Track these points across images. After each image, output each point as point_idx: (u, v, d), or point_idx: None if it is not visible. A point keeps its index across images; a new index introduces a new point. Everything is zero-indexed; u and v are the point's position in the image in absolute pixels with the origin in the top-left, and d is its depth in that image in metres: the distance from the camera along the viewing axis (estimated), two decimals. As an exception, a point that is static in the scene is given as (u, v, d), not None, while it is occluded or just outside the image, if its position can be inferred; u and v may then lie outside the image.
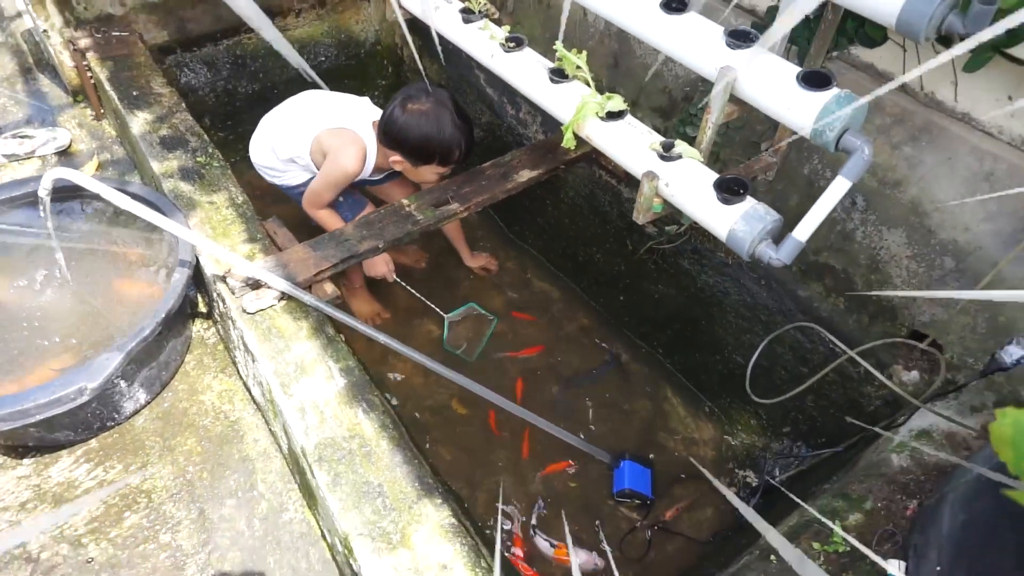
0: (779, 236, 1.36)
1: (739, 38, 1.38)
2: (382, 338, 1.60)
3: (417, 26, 2.72)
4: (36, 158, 2.28)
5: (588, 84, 1.60)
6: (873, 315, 1.67)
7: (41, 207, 1.50)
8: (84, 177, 1.44)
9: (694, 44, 1.43)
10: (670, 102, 1.96)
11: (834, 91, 1.27)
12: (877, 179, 1.57)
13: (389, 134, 1.94)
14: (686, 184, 1.43)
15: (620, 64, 2.05)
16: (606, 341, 2.31)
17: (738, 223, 1.36)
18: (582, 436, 2.00)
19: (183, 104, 2.13)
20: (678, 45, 1.46)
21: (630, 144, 1.53)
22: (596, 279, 2.35)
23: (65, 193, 1.83)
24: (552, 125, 2.30)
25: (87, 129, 2.40)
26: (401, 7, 2.04)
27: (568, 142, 1.65)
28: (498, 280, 2.49)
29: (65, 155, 2.30)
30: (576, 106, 1.60)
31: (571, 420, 2.11)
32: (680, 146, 1.48)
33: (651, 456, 2.01)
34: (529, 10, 2.26)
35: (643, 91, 2.00)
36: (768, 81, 1.34)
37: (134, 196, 1.78)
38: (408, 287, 2.23)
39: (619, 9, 1.54)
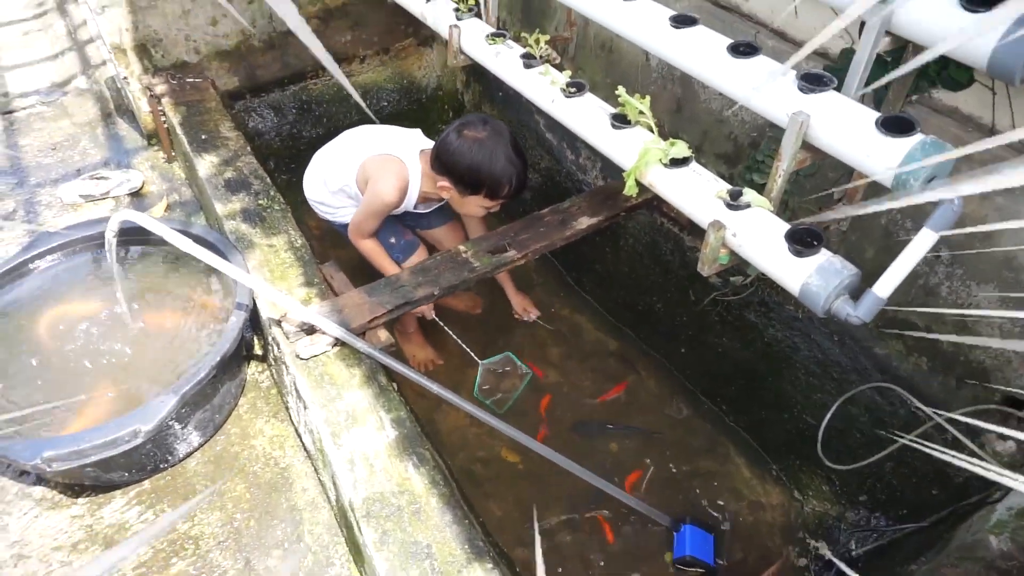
0: (856, 291, 1.27)
1: (812, 82, 1.31)
2: (435, 388, 1.56)
3: (478, 71, 2.74)
4: (111, 198, 2.37)
5: (652, 130, 1.55)
6: (961, 377, 1.54)
7: (107, 248, 1.53)
8: (148, 219, 1.47)
9: (764, 88, 1.37)
10: (736, 148, 1.89)
11: (918, 137, 1.19)
12: (965, 231, 1.46)
13: (441, 158, 1.90)
14: (755, 235, 1.36)
15: (683, 109, 2.00)
16: (664, 395, 2.22)
17: (812, 277, 1.27)
18: (640, 495, 1.90)
19: (248, 148, 2.17)
20: (747, 90, 1.41)
21: (695, 192, 1.46)
22: (656, 330, 2.27)
23: (133, 235, 1.88)
24: (612, 171, 2.26)
25: (159, 171, 2.48)
26: (463, 53, 2.05)
27: (630, 189, 1.59)
28: (553, 327, 2.44)
29: (137, 196, 2.38)
30: (639, 152, 1.55)
31: (624, 476, 2.01)
32: (748, 194, 1.41)
33: (714, 519, 1.90)
34: (590, 56, 2.25)
35: (707, 137, 1.94)
36: (845, 127, 1.26)
37: (196, 238, 1.81)
38: (447, 328, 2.19)
39: (685, 54, 1.49)
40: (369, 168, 2.00)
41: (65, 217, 2.30)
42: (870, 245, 1.63)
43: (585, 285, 2.51)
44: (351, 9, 2.67)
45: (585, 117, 1.70)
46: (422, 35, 2.83)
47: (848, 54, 1.60)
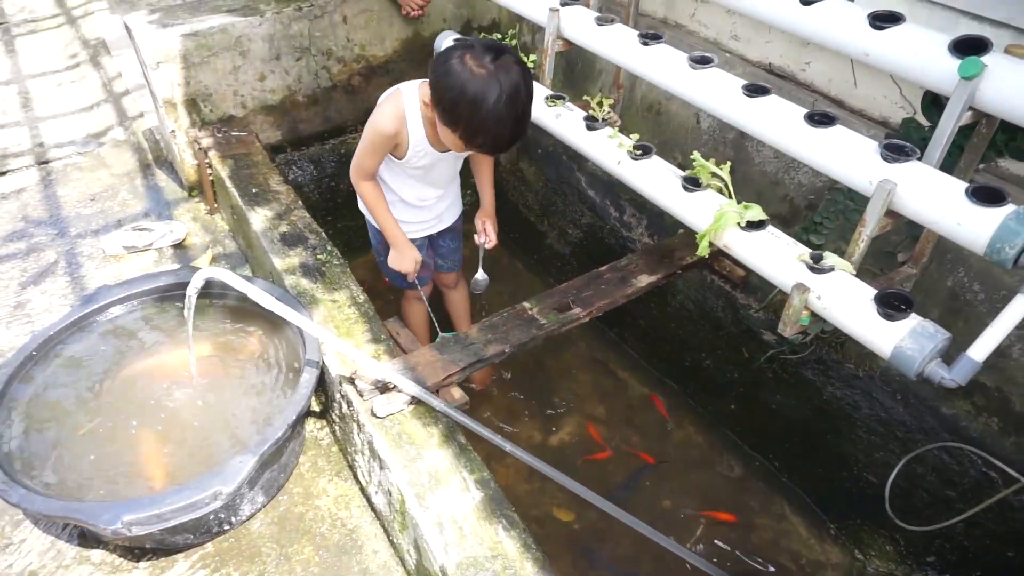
0: (945, 354, 1.29)
1: (896, 151, 1.36)
2: (508, 446, 1.55)
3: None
4: (154, 250, 2.35)
5: (730, 194, 1.58)
6: (1033, 438, 1.56)
7: (187, 305, 1.52)
8: (233, 277, 1.46)
9: (844, 157, 1.42)
10: (791, 210, 1.94)
11: (1011, 207, 1.23)
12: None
13: (433, 72, 1.61)
14: (841, 298, 1.38)
15: (736, 170, 2.04)
16: (715, 452, 2.21)
17: (905, 341, 1.29)
18: (694, 551, 1.88)
19: (300, 201, 2.18)
20: (826, 158, 1.45)
21: (775, 255, 1.49)
22: (704, 386, 2.28)
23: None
24: (659, 228, 2.30)
25: (201, 223, 2.47)
26: (519, 114, 2.09)
27: (703, 251, 1.62)
28: (597, 383, 2.44)
29: (180, 248, 2.37)
30: (714, 215, 1.58)
31: (680, 535, 1.99)
32: (831, 258, 1.44)
33: (774, 580, 1.88)
34: (637, 117, 2.30)
35: (761, 198, 1.98)
36: (934, 196, 1.30)
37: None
38: (426, 304, 2.19)
39: (760, 122, 1.54)
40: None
41: (108, 268, 2.28)
42: (936, 306, 1.67)
43: (628, 340, 2.52)
44: (392, 67, 2.73)
45: (654, 179, 1.74)
46: (459, 92, 2.88)
47: (910, 123, 1.67)
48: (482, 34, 2.85)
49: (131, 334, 1.77)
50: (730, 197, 1.59)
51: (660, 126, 2.24)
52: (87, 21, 3.76)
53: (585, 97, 1.98)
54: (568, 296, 1.85)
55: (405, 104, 1.77)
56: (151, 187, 2.63)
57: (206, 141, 2.42)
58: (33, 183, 2.66)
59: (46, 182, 2.66)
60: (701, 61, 1.68)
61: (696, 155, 1.61)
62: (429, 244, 2.16)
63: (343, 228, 2.85)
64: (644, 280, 1.91)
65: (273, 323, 1.74)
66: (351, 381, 1.59)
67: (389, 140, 1.81)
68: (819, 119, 1.47)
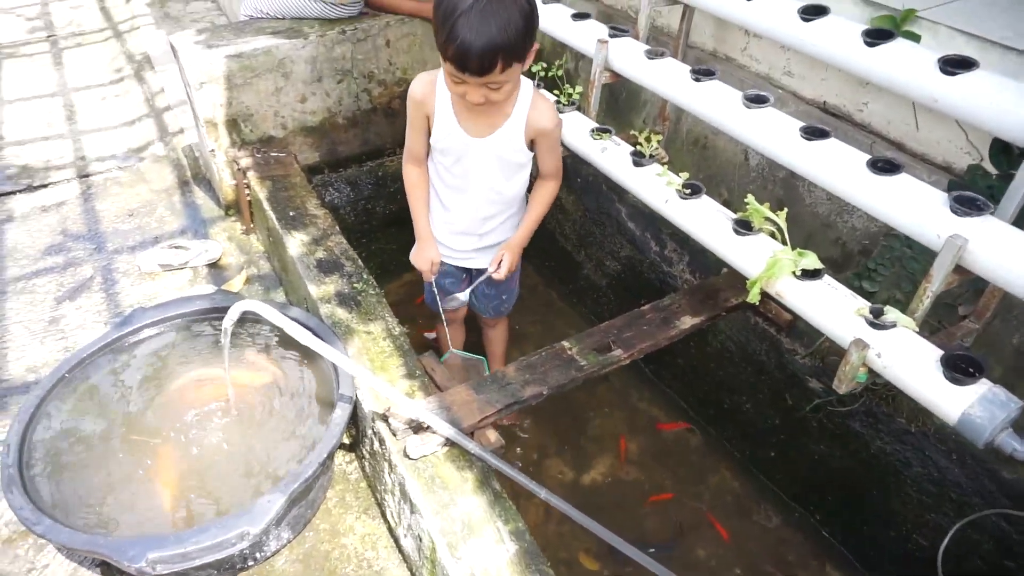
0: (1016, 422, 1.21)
1: (967, 204, 1.28)
2: (543, 493, 1.49)
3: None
4: (188, 268, 2.35)
5: (784, 241, 1.52)
6: (1102, 510, 1.46)
7: (223, 335, 1.49)
8: (270, 310, 1.43)
9: (910, 208, 1.35)
10: (843, 254, 1.86)
11: (1095, 272, 1.15)
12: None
13: None
14: (904, 357, 1.31)
15: (784, 210, 1.98)
16: (751, 500, 2.13)
17: (974, 408, 1.22)
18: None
19: (337, 227, 2.16)
20: (890, 208, 1.38)
21: (832, 307, 1.42)
22: (743, 430, 2.20)
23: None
24: (701, 266, 2.23)
25: (236, 243, 2.46)
26: (562, 145, 2.05)
27: (754, 297, 1.55)
28: (630, 421, 2.37)
29: (215, 267, 2.36)
30: (766, 261, 1.52)
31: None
32: (892, 313, 1.37)
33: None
34: (682, 151, 2.25)
35: (811, 240, 1.92)
36: (1009, 255, 1.23)
37: (295, 321, 1.78)
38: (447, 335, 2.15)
39: (819, 167, 1.48)
40: None
41: (143, 286, 2.28)
42: (999, 364, 1.58)
43: (664, 377, 2.45)
44: (434, 91, 2.71)
45: (702, 220, 1.68)
46: (498, 118, 2.86)
47: (976, 170, 1.59)
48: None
49: (163, 359, 1.75)
50: (784, 244, 1.52)
51: (706, 160, 2.18)
52: (133, 36, 3.81)
53: (632, 132, 1.93)
54: (609, 336, 1.79)
55: (440, 72, 1.63)
56: (188, 204, 2.64)
57: (245, 161, 2.41)
58: (74, 196, 2.68)
59: (86, 196, 2.68)
60: (756, 100, 1.62)
61: (750, 198, 1.55)
62: (468, 278, 2.08)
63: (377, 251, 2.83)
64: (688, 322, 1.85)
65: (307, 352, 1.71)
66: (384, 419, 1.55)
67: (419, 108, 1.70)
68: (883, 166, 1.41)
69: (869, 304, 1.40)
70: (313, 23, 2.44)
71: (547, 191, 1.87)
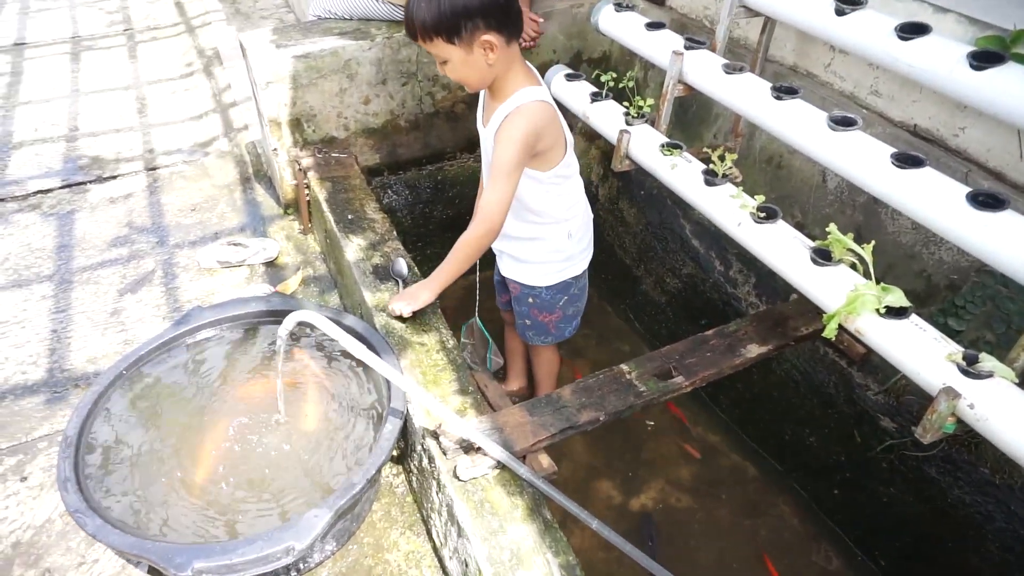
0: None
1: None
2: (594, 524, 1.42)
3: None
4: (246, 266, 2.36)
5: (868, 274, 1.42)
6: None
7: (278, 346, 1.47)
8: (325, 321, 1.40)
9: (1012, 246, 1.24)
10: (928, 287, 1.74)
11: None
12: None
13: None
14: (1002, 411, 1.20)
15: (864, 237, 1.86)
16: (809, 538, 2.02)
17: (1081, 473, 1.11)
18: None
19: (395, 232, 2.13)
20: (989, 244, 1.27)
21: (919, 350, 1.32)
22: (805, 464, 2.09)
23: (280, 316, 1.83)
24: (768, 289, 2.13)
25: (293, 242, 2.47)
26: (629, 159, 1.98)
27: (830, 332, 1.46)
28: (683, 446, 2.28)
29: (272, 266, 2.36)
30: (847, 295, 1.42)
31: None
32: (988, 361, 1.26)
33: None
34: (754, 168, 2.15)
35: (892, 270, 1.80)
36: None
37: (349, 330, 1.76)
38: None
39: (914, 199, 1.37)
40: None
41: (202, 281, 2.30)
42: (1101, 420, 1.45)
43: (722, 403, 2.35)
44: (497, 96, 2.66)
45: (777, 247, 1.59)
46: (561, 125, 2.80)
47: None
48: (592, 67, 2.76)
49: (217, 361, 1.74)
50: (868, 277, 1.42)
51: (780, 180, 2.08)
52: (204, 31, 3.89)
53: (704, 148, 1.84)
54: (670, 361, 1.72)
55: None
56: (249, 201, 2.66)
57: (306, 161, 2.41)
58: (141, 189, 2.73)
59: (152, 189, 2.73)
60: (842, 122, 1.52)
61: (832, 228, 1.46)
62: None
63: (433, 255, 2.77)
64: (754, 350, 1.76)
65: (360, 361, 1.68)
66: (435, 436, 1.51)
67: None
68: (984, 200, 1.30)
69: (962, 349, 1.29)
70: (381, 25, 2.42)
71: (468, 230, 1.66)
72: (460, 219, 2.78)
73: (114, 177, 2.80)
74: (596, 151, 2.78)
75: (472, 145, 2.74)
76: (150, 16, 4.12)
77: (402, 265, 1.93)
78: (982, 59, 1.36)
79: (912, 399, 1.77)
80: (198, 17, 4.04)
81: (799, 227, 2.04)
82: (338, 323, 1.76)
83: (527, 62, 1.68)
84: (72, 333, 2.12)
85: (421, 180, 2.70)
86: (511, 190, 1.60)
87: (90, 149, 2.97)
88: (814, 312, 1.84)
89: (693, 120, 2.35)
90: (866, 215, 1.85)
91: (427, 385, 1.65)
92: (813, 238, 1.56)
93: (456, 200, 2.76)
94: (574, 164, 1.81)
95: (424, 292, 1.75)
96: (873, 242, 1.39)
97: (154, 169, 2.84)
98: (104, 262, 2.39)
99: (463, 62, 1.52)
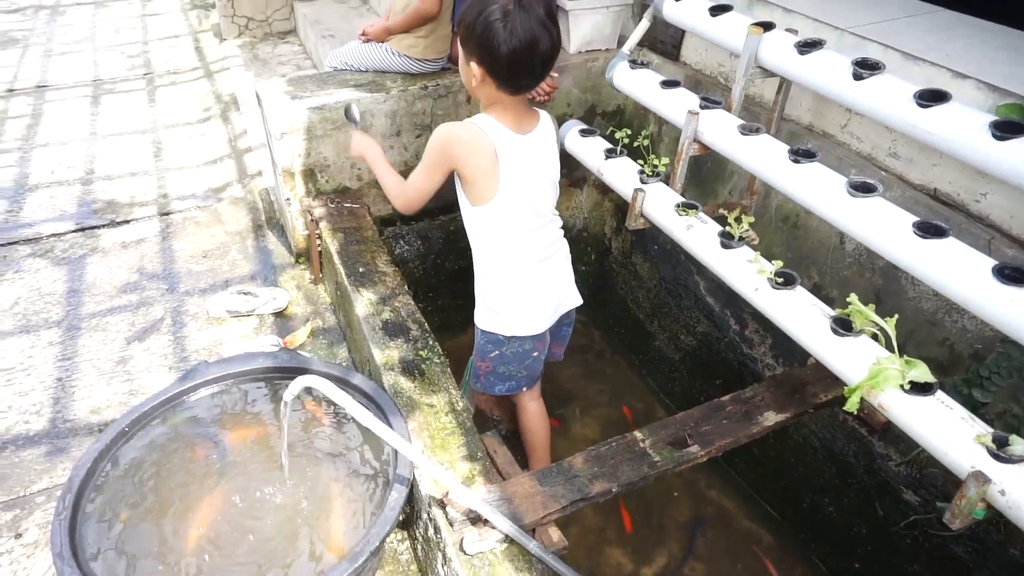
0: None
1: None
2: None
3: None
4: (255, 316, 2.34)
5: (892, 347, 1.37)
6: None
7: (282, 409, 1.44)
8: (330, 387, 1.37)
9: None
10: (951, 356, 1.69)
11: None
12: None
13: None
14: (1035, 499, 1.15)
15: (884, 302, 1.83)
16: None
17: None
18: None
19: (405, 286, 2.11)
20: (1017, 320, 1.23)
21: (946, 430, 1.27)
22: (824, 534, 2.01)
23: (288, 374, 1.80)
24: (785, 351, 2.08)
25: (304, 292, 2.45)
26: (643, 217, 1.96)
27: (852, 406, 1.41)
28: (698, 510, 2.21)
29: (281, 316, 2.34)
30: (869, 368, 1.37)
31: None
32: (1019, 444, 1.20)
33: None
34: (769, 227, 2.12)
35: (912, 337, 1.75)
36: None
37: (357, 389, 1.72)
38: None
39: (938, 271, 1.34)
40: None
41: (210, 331, 2.28)
42: None
43: (737, 466, 2.29)
44: (511, 148, 2.66)
45: (796, 314, 1.55)
46: (574, 176, 2.79)
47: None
48: (606, 120, 2.76)
49: (220, 419, 1.71)
50: (892, 351, 1.37)
51: (796, 240, 2.05)
52: (222, 76, 3.94)
53: (719, 207, 1.82)
54: (685, 428, 1.67)
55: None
56: (260, 249, 2.65)
57: (318, 211, 2.40)
58: (153, 234, 2.73)
59: (165, 234, 2.73)
60: (862, 188, 1.49)
61: (853, 298, 1.42)
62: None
63: (443, 306, 2.78)
64: (771, 418, 1.71)
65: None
66: (441, 505, 1.46)
67: None
68: (1011, 274, 1.26)
69: (991, 430, 1.24)
70: (396, 77, 2.44)
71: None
72: (471, 270, 2.75)
73: (127, 221, 2.81)
74: (609, 203, 2.76)
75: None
76: (170, 60, 4.20)
77: (355, 110, 2.06)
78: (1006, 129, 1.33)
79: (935, 471, 1.71)
80: (217, 62, 4.11)
81: (816, 289, 2.01)
82: (346, 382, 1.74)
83: (537, 110, 1.73)
84: (77, 382, 2.09)
85: (433, 231, 2.69)
86: (418, 184, 1.79)
87: (105, 193, 2.98)
88: (833, 378, 1.78)
89: (708, 176, 2.33)
90: (886, 279, 1.81)
91: (435, 450, 1.60)
92: (830, 301, 1.53)
93: (467, 251, 2.72)
94: (505, 226, 1.74)
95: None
96: (896, 316, 1.34)
97: (167, 214, 2.85)
98: (113, 308, 2.37)
99: (463, 62, 1.62)
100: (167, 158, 3.24)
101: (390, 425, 1.61)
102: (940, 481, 1.69)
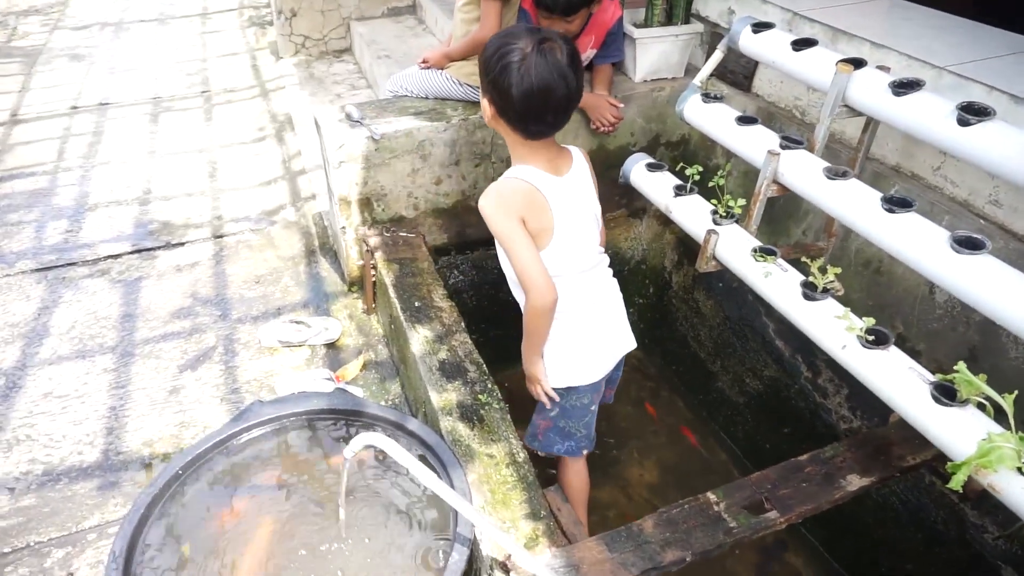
0: None
1: None
2: None
3: (691, 251, 2.56)
4: (307, 347, 2.30)
5: (1010, 425, 1.25)
6: None
7: (344, 465, 1.37)
8: (396, 447, 1.30)
9: None
10: (1058, 424, 1.55)
11: None
12: None
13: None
14: None
15: (980, 360, 1.69)
16: None
17: None
18: None
19: (462, 323, 2.04)
20: None
21: (1072, 521, 1.14)
22: (905, 605, 1.88)
23: (342, 416, 1.75)
24: (864, 403, 1.95)
25: (356, 322, 2.40)
26: (715, 259, 1.86)
27: (956, 484, 1.29)
28: (763, 569, 2.08)
29: (333, 348, 2.30)
30: (979, 445, 1.25)
31: None
32: None
33: None
34: (849, 271, 2.00)
35: (1019, 401, 1.61)
36: None
37: (414, 436, 1.66)
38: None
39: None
40: None
41: (261, 361, 2.24)
42: None
43: (808, 523, 2.15)
44: (570, 178, 2.59)
45: (889, 376, 1.44)
46: (634, 207, 2.70)
47: None
48: (670, 151, 2.66)
49: (275, 463, 1.66)
50: (1007, 427, 1.25)
51: (879, 287, 1.92)
52: (278, 95, 3.96)
53: (804, 259, 1.71)
54: (761, 491, 1.56)
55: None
56: (313, 276, 2.61)
57: (373, 240, 2.35)
58: (207, 257, 2.72)
59: (218, 258, 2.72)
60: (969, 245, 1.37)
61: (961, 366, 1.30)
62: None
63: (496, 338, 2.70)
64: (855, 482, 1.59)
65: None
66: (504, 569, 1.38)
67: None
68: None
69: None
70: (456, 105, 2.38)
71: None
72: (525, 301, 2.68)
73: (182, 244, 2.80)
74: (671, 236, 2.66)
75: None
76: (227, 78, 4.23)
77: (353, 111, 2.21)
78: None
79: (1040, 549, 1.56)
80: (272, 80, 4.12)
81: (900, 341, 1.87)
82: (402, 427, 1.67)
83: (567, 147, 1.68)
84: (130, 411, 2.07)
85: (488, 261, 2.62)
86: (518, 258, 1.57)
87: (161, 213, 2.99)
88: (922, 439, 1.66)
89: (779, 214, 2.22)
90: (983, 335, 1.68)
91: (496, 505, 1.52)
92: (916, 355, 1.41)
93: (522, 281, 2.66)
94: (559, 272, 1.65)
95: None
96: (1016, 392, 1.22)
97: (221, 237, 2.84)
98: (166, 335, 2.36)
99: (480, 94, 1.58)
100: (222, 178, 3.24)
101: (450, 477, 1.54)
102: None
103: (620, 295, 1.86)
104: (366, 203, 2.36)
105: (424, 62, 2.44)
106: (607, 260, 1.83)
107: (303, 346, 2.30)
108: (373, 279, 2.35)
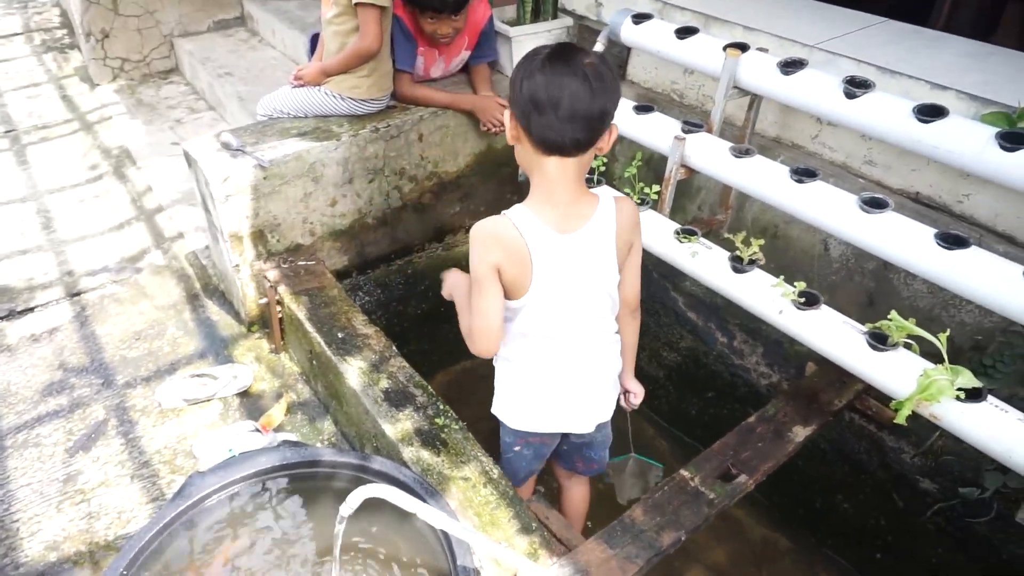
0: None
1: None
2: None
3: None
4: (217, 400, 2.09)
5: (943, 358, 1.41)
6: None
7: (337, 525, 1.27)
8: (399, 494, 1.22)
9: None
10: (951, 350, 1.77)
11: None
12: None
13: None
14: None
15: (877, 304, 1.90)
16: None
17: None
18: None
19: (394, 347, 1.96)
20: None
21: (1007, 433, 1.32)
22: (841, 531, 2.07)
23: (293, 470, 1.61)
24: (777, 357, 2.12)
25: (266, 364, 2.22)
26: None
27: (902, 418, 1.44)
28: (714, 527, 2.21)
29: (247, 396, 2.11)
30: (918, 381, 1.41)
31: None
32: (1078, 438, 1.27)
33: None
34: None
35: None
36: None
37: (380, 474, 1.57)
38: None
39: (965, 279, 1.39)
40: None
41: (168, 425, 2.01)
42: None
43: (742, 476, 2.31)
44: (463, 182, 2.56)
45: (826, 333, 1.57)
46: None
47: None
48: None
49: (242, 535, 1.50)
50: (941, 362, 1.42)
51: (777, 251, 2.09)
52: (104, 127, 3.53)
53: (727, 235, 1.82)
54: (726, 458, 1.65)
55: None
56: (203, 321, 2.38)
57: (273, 275, 2.19)
58: (67, 320, 2.39)
59: (81, 319, 2.39)
60: (873, 204, 1.53)
61: (894, 315, 1.45)
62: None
63: (410, 353, 2.59)
64: (800, 432, 1.73)
65: (400, 511, 1.48)
66: (516, 592, 1.35)
67: None
68: (1039, 276, 1.33)
69: (1053, 429, 1.30)
70: (341, 121, 2.26)
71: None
72: (435, 312, 2.62)
73: (31, 310, 2.44)
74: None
75: (440, 234, 2.62)
76: (34, 113, 3.70)
77: (230, 139, 2.10)
78: (1012, 140, 1.40)
79: (951, 459, 1.79)
80: (93, 112, 3.67)
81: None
82: (366, 469, 1.57)
83: (597, 194, 1.42)
84: (18, 514, 1.78)
85: (391, 277, 2.53)
86: (476, 302, 1.39)
87: (-6, 278, 2.58)
88: (837, 381, 1.84)
89: (676, 194, 2.34)
90: (877, 281, 1.88)
91: (486, 527, 1.48)
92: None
93: (429, 293, 2.60)
94: (526, 324, 1.46)
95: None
96: (948, 331, 1.38)
97: (78, 295, 2.50)
98: (41, 417, 2.04)
99: (506, 118, 1.36)
100: (60, 228, 2.85)
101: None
102: (956, 468, 1.78)
103: (610, 371, 1.61)
104: (259, 236, 2.18)
105: (297, 79, 2.29)
106: (610, 331, 1.57)
107: (212, 400, 2.09)
108: (280, 315, 2.19)
